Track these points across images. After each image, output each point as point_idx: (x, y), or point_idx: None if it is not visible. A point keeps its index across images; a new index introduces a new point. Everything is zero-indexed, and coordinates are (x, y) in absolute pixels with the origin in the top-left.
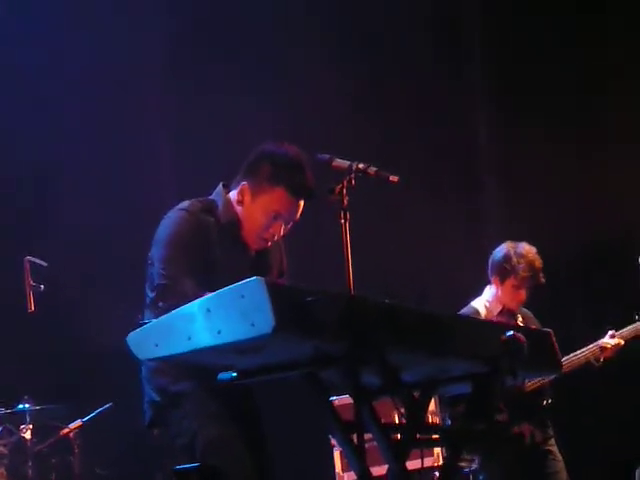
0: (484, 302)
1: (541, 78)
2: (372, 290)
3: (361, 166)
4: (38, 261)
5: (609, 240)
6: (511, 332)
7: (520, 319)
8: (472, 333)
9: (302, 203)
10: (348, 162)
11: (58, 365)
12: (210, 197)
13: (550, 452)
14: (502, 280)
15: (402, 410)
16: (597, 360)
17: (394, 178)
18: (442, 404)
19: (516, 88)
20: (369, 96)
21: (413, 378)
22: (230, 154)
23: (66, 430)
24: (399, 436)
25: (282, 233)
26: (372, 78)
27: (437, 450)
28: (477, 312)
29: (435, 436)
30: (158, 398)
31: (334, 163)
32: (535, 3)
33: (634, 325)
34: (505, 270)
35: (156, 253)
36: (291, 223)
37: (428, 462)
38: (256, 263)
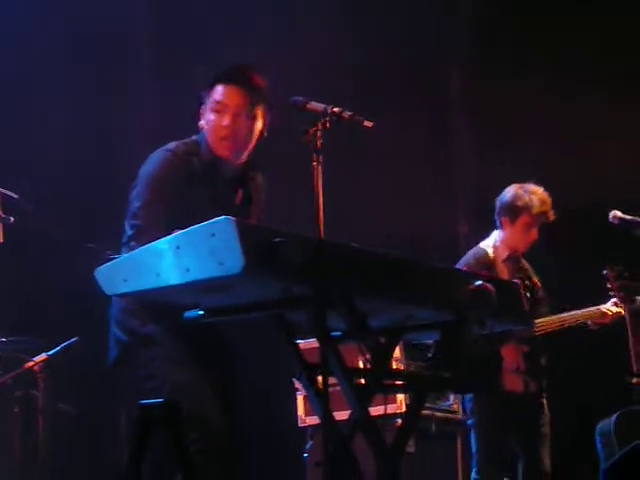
0: (492, 245)
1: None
2: (342, 235)
3: (336, 110)
4: (9, 193)
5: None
6: (480, 281)
7: (525, 268)
8: (441, 281)
9: (238, 88)
10: (323, 105)
11: (24, 298)
12: (194, 138)
13: (541, 405)
14: (513, 220)
15: (367, 356)
16: (595, 324)
17: (368, 123)
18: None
19: (492, 23)
20: (345, 35)
21: (379, 324)
22: None
23: (31, 363)
24: (363, 381)
25: (230, 123)
26: (353, 18)
27: (400, 397)
28: (486, 253)
29: (399, 382)
30: (125, 338)
31: (308, 105)
32: None
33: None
34: (517, 208)
35: (136, 192)
36: (242, 115)
37: (391, 409)
38: (239, 208)
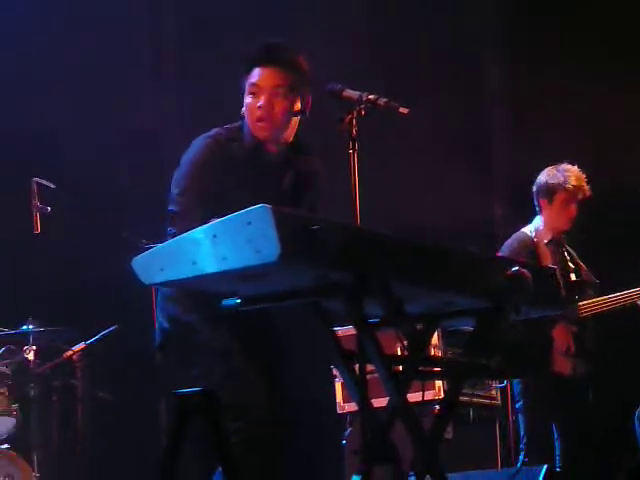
0: (535, 229)
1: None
2: (379, 222)
3: (371, 97)
4: (45, 182)
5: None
6: (516, 267)
7: (567, 252)
8: (477, 267)
9: (272, 69)
10: (358, 92)
11: (63, 288)
12: (238, 124)
13: (587, 389)
14: (551, 199)
15: (405, 342)
16: None
17: (404, 110)
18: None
19: (530, 21)
20: (378, 32)
21: (416, 310)
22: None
23: (69, 352)
24: (401, 368)
25: (265, 103)
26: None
27: (438, 383)
28: (528, 237)
29: (437, 369)
30: (168, 325)
31: (344, 93)
32: None
33: None
34: (553, 187)
35: (177, 178)
36: (278, 95)
37: (429, 395)
38: (284, 193)
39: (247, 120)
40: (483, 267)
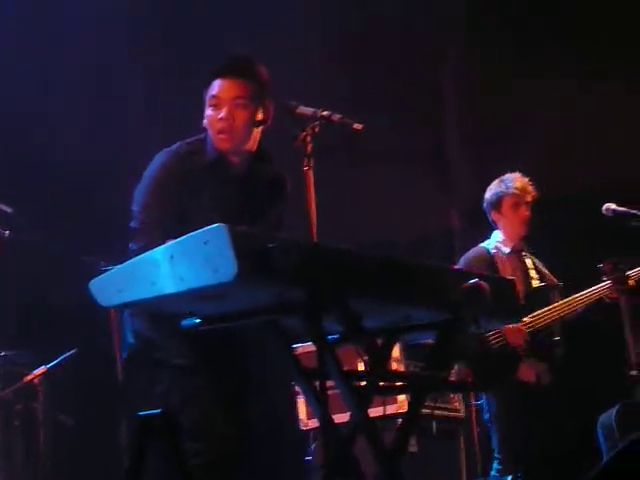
0: (494, 243)
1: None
2: (336, 238)
3: (325, 113)
4: (3, 207)
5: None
6: (474, 280)
7: (530, 261)
8: (435, 280)
9: (232, 80)
10: (312, 109)
11: (21, 312)
12: (200, 137)
13: (552, 395)
14: (499, 208)
15: (365, 357)
16: (609, 298)
17: (358, 126)
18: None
19: (486, 34)
20: (338, 46)
21: (375, 325)
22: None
23: (30, 377)
24: (362, 384)
25: (226, 115)
26: (342, 28)
27: (401, 397)
28: (484, 251)
29: (398, 383)
30: (132, 340)
31: (298, 110)
32: None
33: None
34: (498, 196)
35: (138, 194)
36: (238, 106)
37: (392, 409)
38: (248, 205)
39: (210, 132)
40: (441, 280)
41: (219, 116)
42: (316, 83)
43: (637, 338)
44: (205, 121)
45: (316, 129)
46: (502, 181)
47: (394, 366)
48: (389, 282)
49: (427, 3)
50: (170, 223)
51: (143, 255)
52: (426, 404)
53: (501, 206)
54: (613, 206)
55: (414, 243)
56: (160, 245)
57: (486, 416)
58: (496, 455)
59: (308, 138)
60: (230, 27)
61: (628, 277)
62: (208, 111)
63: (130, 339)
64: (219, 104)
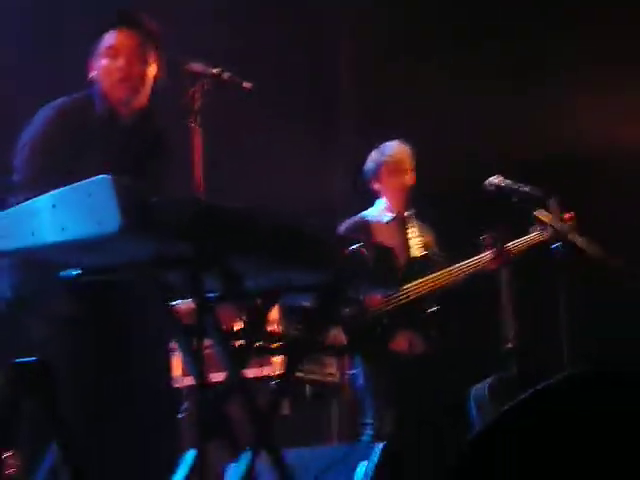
0: (376, 211)
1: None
2: (223, 198)
3: (215, 71)
4: None
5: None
6: (355, 246)
7: (413, 228)
8: (318, 244)
9: (128, 31)
10: (203, 66)
11: None
12: (87, 91)
13: (425, 364)
14: (378, 176)
15: (244, 317)
16: (486, 269)
17: (247, 85)
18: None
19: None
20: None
21: (256, 285)
22: None
23: None
24: (239, 343)
25: (124, 64)
26: None
27: (277, 359)
28: (362, 219)
29: (275, 345)
30: (9, 293)
31: (188, 66)
32: None
33: (527, 237)
34: (375, 164)
35: (19, 151)
36: (137, 57)
37: (267, 371)
38: (132, 159)
39: (103, 84)
40: (323, 244)
41: (118, 64)
42: (207, 41)
43: (514, 311)
44: (97, 72)
45: (205, 86)
46: (377, 149)
47: (273, 328)
48: (272, 242)
49: None
50: (55, 177)
51: (23, 204)
52: (301, 367)
53: (379, 174)
54: (496, 180)
55: (299, 206)
56: None
57: (359, 382)
58: (367, 421)
59: (197, 95)
60: None
61: (509, 250)
62: (104, 61)
63: (7, 293)
64: (116, 54)
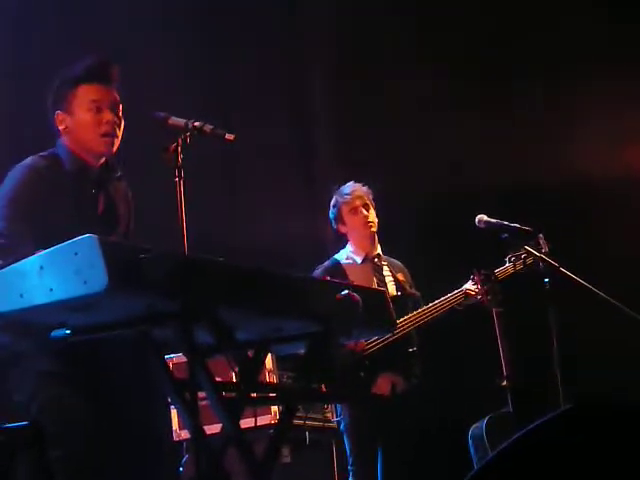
0: (346, 254)
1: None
2: (208, 249)
3: (197, 124)
4: None
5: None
6: (345, 291)
7: (385, 267)
8: (306, 292)
9: (107, 86)
10: (184, 120)
11: None
12: (51, 150)
13: (408, 404)
14: (340, 218)
15: (236, 369)
16: (460, 305)
17: (230, 136)
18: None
19: (356, 39)
20: (203, 50)
21: (247, 336)
22: None
23: None
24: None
25: (111, 118)
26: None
27: (274, 408)
28: (337, 263)
29: (269, 395)
30: None
31: (170, 121)
32: None
33: (499, 269)
34: (335, 207)
35: None
36: (118, 111)
37: (265, 420)
38: (105, 216)
39: (81, 137)
40: (312, 291)
41: (105, 119)
42: (185, 91)
43: (509, 349)
44: (74, 125)
45: (187, 140)
46: (338, 192)
47: (267, 377)
48: (260, 294)
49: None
50: (35, 235)
51: (11, 266)
52: (299, 414)
53: (341, 215)
54: (485, 218)
55: (282, 248)
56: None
57: (341, 426)
58: (349, 467)
59: (179, 149)
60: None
61: (498, 285)
62: (87, 115)
63: None
64: (100, 107)
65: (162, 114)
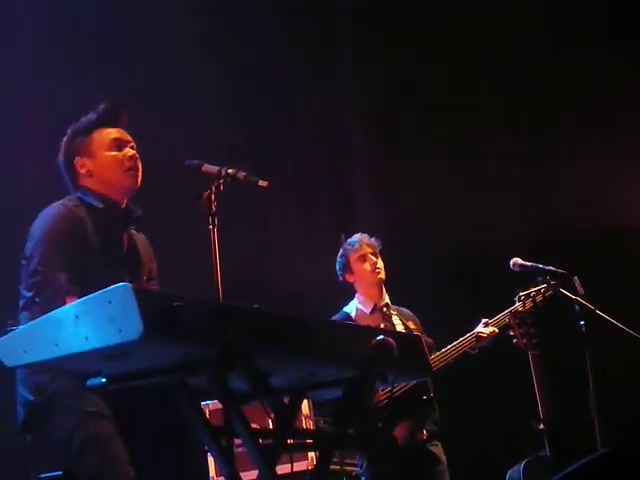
0: (355, 305)
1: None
2: (243, 296)
3: (230, 171)
4: None
5: (480, 241)
6: (381, 336)
7: (395, 315)
8: (341, 338)
9: (122, 130)
10: (217, 167)
11: None
12: (73, 195)
13: (431, 453)
14: (348, 267)
15: (272, 415)
16: (473, 349)
17: (263, 183)
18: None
19: (390, 96)
20: (238, 98)
21: (282, 383)
22: None
23: None
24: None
25: (134, 153)
26: (243, 80)
27: (311, 454)
28: (348, 316)
29: (307, 441)
30: (32, 397)
31: (203, 168)
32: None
33: (507, 312)
34: (344, 256)
35: (31, 250)
36: (134, 148)
37: (302, 466)
38: (129, 255)
39: (108, 176)
40: (347, 337)
41: (128, 154)
42: (214, 137)
43: (546, 391)
44: (98, 166)
45: (221, 187)
46: (345, 243)
47: (303, 422)
48: (295, 340)
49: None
50: (71, 273)
51: (46, 316)
52: (335, 460)
53: (349, 264)
54: (520, 261)
55: (316, 293)
56: (68, 292)
57: (361, 472)
58: None
59: (212, 197)
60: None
61: (534, 328)
62: (110, 153)
63: (29, 397)
64: (122, 145)
65: (195, 162)
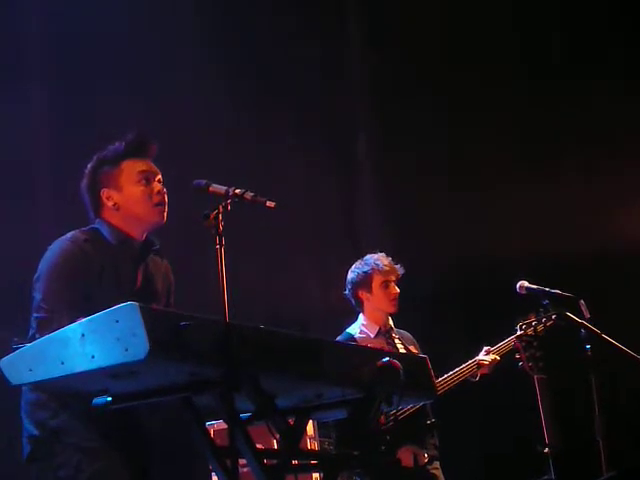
0: (359, 327)
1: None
2: (250, 316)
3: (238, 191)
4: None
5: (484, 262)
6: (387, 358)
7: (398, 340)
8: (347, 359)
9: (149, 161)
10: (225, 187)
11: None
12: (91, 226)
13: (434, 476)
14: (369, 287)
15: (277, 436)
16: (474, 377)
17: (271, 204)
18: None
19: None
20: (248, 120)
21: (288, 404)
22: None
23: None
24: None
25: (161, 188)
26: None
27: (316, 474)
28: (352, 338)
29: (311, 461)
30: (37, 432)
31: (211, 188)
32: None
33: (509, 339)
34: (367, 275)
35: (38, 285)
36: (162, 183)
37: None
38: (142, 291)
39: (138, 209)
40: (353, 358)
41: (156, 189)
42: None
43: (551, 415)
44: (125, 199)
45: (228, 207)
46: (365, 260)
47: (308, 443)
48: (301, 361)
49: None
50: (74, 310)
51: (53, 334)
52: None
53: (371, 284)
54: (526, 284)
55: (323, 314)
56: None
57: None
58: None
59: (220, 217)
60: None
61: (540, 352)
62: (137, 188)
63: (34, 431)
64: (150, 178)
65: (203, 182)
